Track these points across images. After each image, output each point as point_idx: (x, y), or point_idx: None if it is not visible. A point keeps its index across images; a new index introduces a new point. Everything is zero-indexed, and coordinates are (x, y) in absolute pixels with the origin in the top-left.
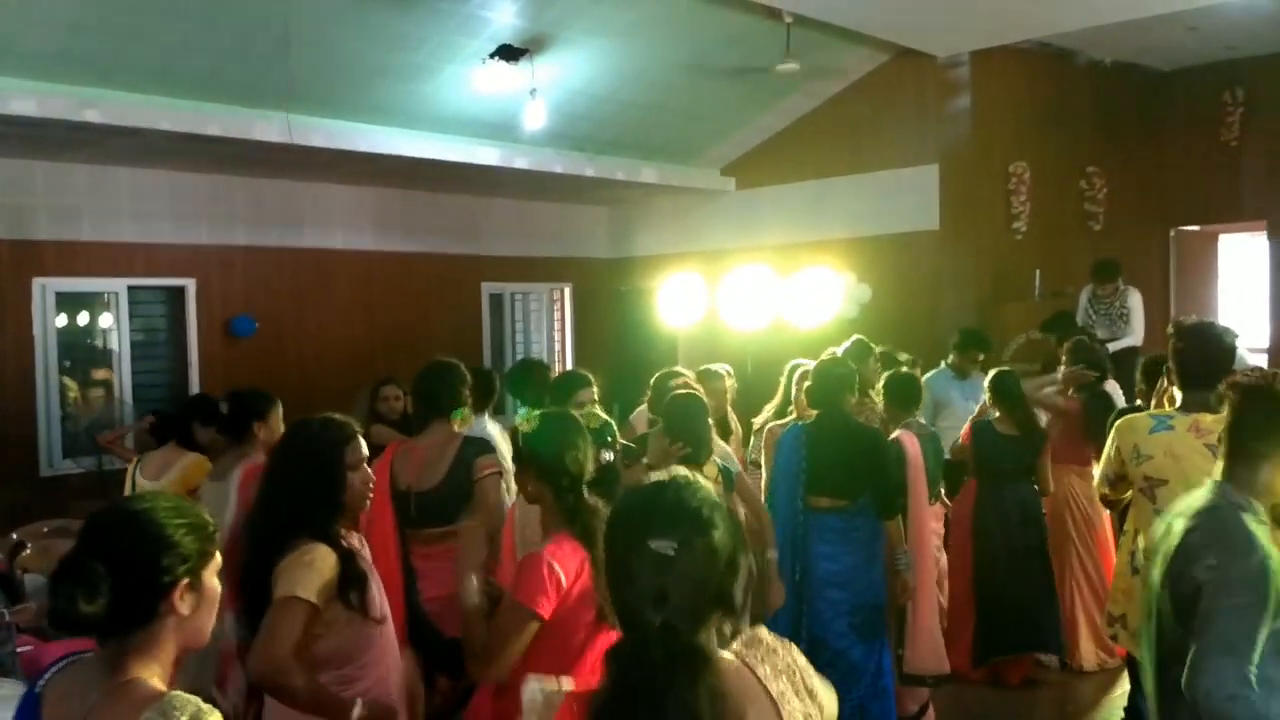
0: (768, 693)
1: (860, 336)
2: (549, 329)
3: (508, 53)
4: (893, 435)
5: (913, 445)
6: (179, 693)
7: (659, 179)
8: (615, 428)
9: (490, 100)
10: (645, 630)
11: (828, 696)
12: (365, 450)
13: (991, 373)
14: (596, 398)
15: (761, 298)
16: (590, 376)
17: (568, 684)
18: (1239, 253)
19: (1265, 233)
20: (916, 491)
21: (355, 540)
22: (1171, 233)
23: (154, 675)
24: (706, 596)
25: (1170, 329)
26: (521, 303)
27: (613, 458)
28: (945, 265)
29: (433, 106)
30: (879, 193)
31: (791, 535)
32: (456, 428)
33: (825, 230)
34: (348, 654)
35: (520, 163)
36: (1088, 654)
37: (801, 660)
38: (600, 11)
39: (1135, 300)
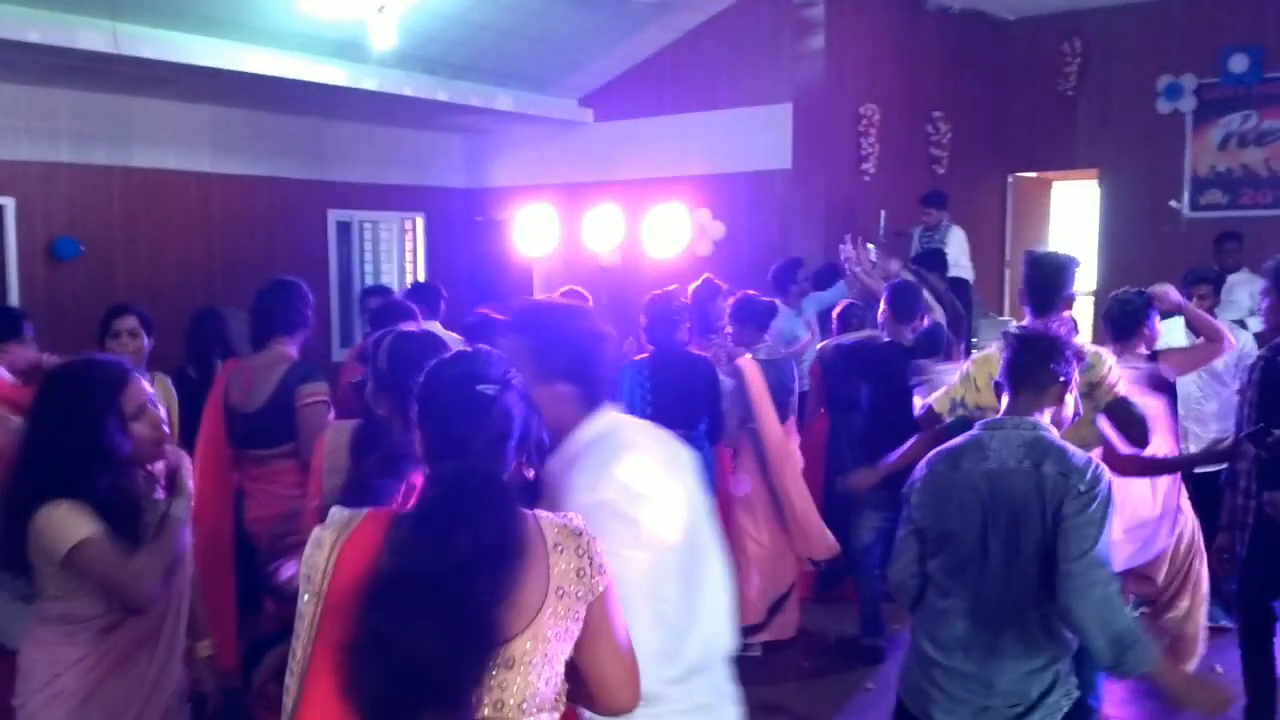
0: (544, 537)
1: (709, 275)
2: (400, 259)
3: None
4: (737, 361)
5: (750, 368)
6: None
7: (515, 107)
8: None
9: (337, 17)
10: (465, 460)
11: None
12: (146, 391)
13: (841, 305)
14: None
15: (618, 230)
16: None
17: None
18: (1071, 199)
19: (1096, 180)
20: (762, 411)
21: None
22: (1009, 178)
23: None
24: (513, 439)
25: (1023, 258)
26: (371, 232)
27: None
28: (796, 203)
29: (275, 20)
30: (734, 130)
31: None
32: None
33: (682, 166)
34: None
35: (368, 84)
36: None
37: (602, 555)
38: None
39: (957, 238)
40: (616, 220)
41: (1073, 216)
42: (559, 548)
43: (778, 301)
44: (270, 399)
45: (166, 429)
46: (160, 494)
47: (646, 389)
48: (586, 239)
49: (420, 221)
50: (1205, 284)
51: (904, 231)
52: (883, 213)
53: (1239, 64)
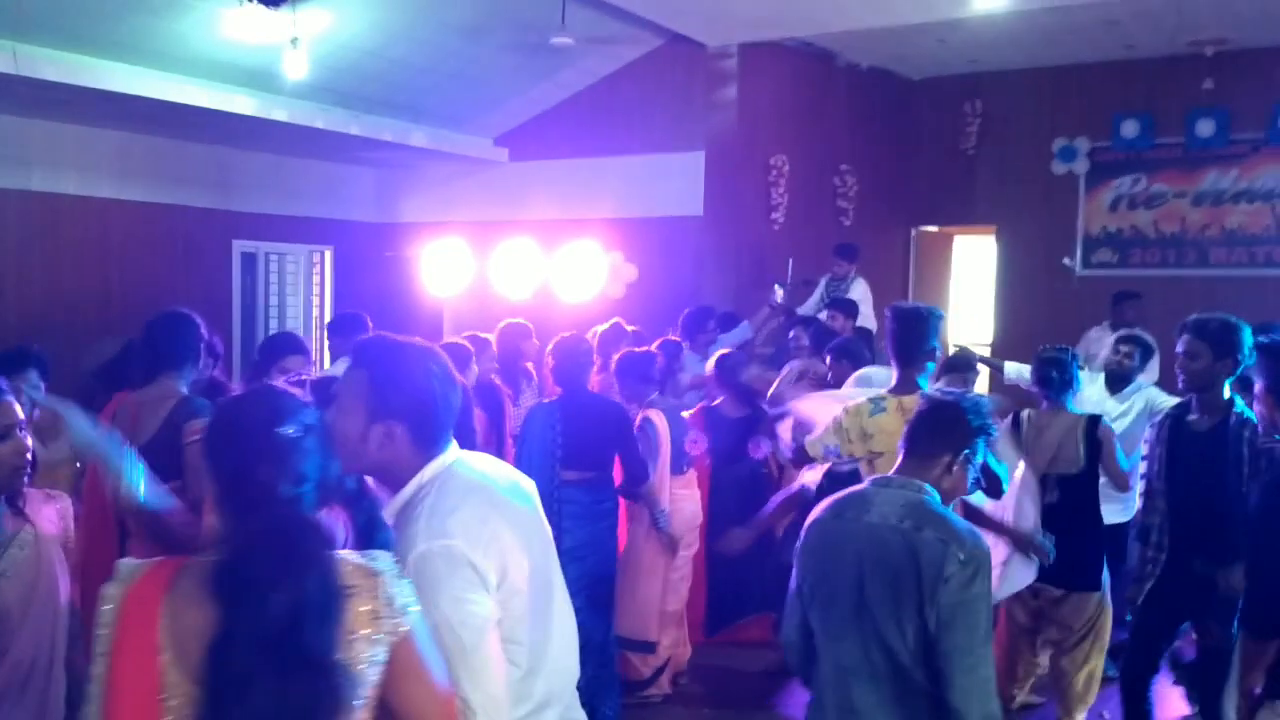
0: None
1: (617, 319)
2: (306, 293)
3: None
4: (644, 414)
5: (661, 423)
6: None
7: (429, 143)
8: None
9: (248, 45)
10: (276, 506)
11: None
12: (15, 414)
13: (714, 356)
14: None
15: (531, 271)
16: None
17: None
18: (971, 253)
19: (994, 236)
20: (661, 467)
21: (40, 507)
22: (913, 232)
23: None
24: (325, 481)
25: (886, 312)
26: (277, 264)
27: None
28: (708, 249)
29: (184, 47)
30: (647, 176)
31: (546, 510)
32: None
33: (595, 208)
34: None
35: (279, 114)
36: None
37: (407, 593)
38: None
39: (860, 289)
40: (529, 260)
41: (974, 269)
42: (352, 590)
43: (686, 346)
44: (155, 435)
45: (30, 456)
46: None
47: (556, 431)
48: (498, 276)
49: (329, 255)
50: (1131, 344)
51: (811, 280)
52: (790, 261)
53: (1130, 129)
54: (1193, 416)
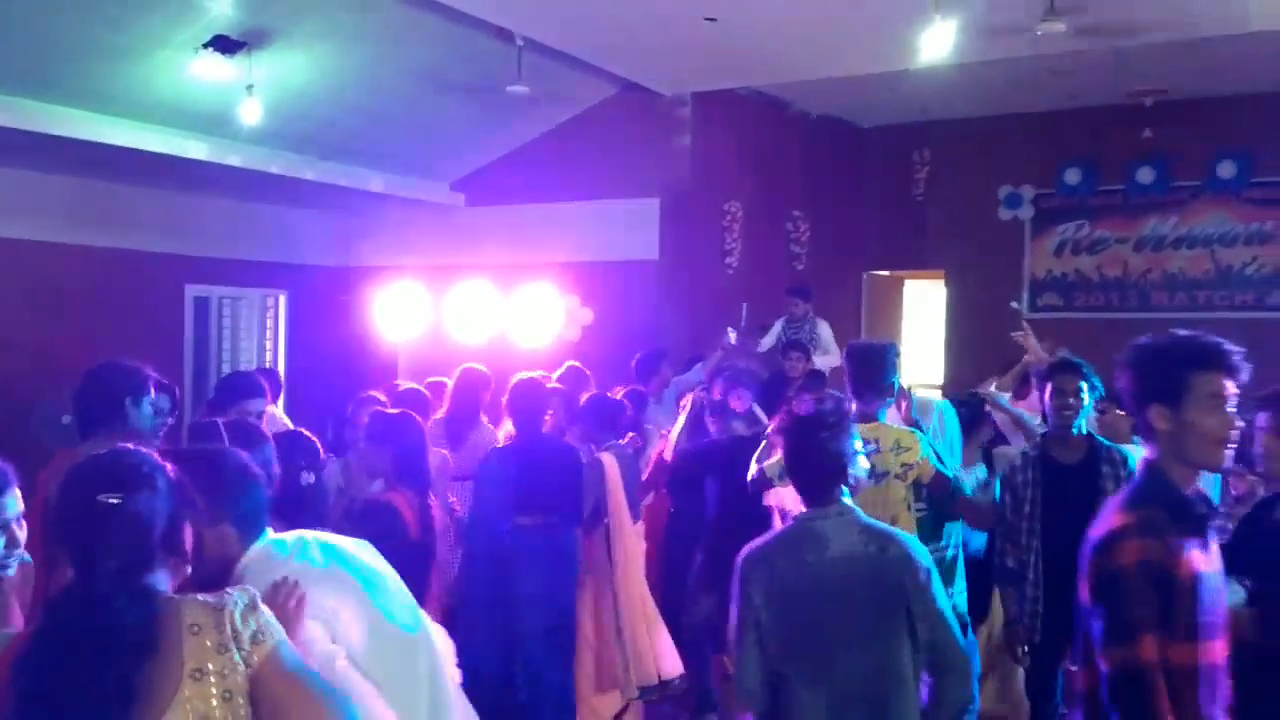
0: (180, 623)
1: (573, 362)
2: (260, 338)
3: (224, 44)
4: (596, 454)
5: (612, 465)
6: None
7: (386, 189)
8: (318, 445)
9: (204, 92)
10: (92, 571)
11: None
12: None
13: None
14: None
15: (487, 315)
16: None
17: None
18: (921, 297)
19: (944, 280)
20: (618, 511)
21: None
22: (864, 276)
23: None
24: (151, 542)
25: (844, 349)
26: (230, 309)
27: (313, 479)
28: (663, 293)
29: (138, 92)
30: (604, 221)
31: (500, 556)
32: None
33: (552, 253)
34: None
35: (233, 160)
36: None
37: (265, 621)
38: (326, 11)
39: (825, 330)
40: (486, 304)
41: (924, 312)
42: (195, 628)
43: (640, 389)
44: None
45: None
46: None
47: (509, 476)
48: (454, 321)
49: (283, 299)
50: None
51: (766, 325)
52: (744, 305)
53: (1073, 177)
54: (1054, 452)
